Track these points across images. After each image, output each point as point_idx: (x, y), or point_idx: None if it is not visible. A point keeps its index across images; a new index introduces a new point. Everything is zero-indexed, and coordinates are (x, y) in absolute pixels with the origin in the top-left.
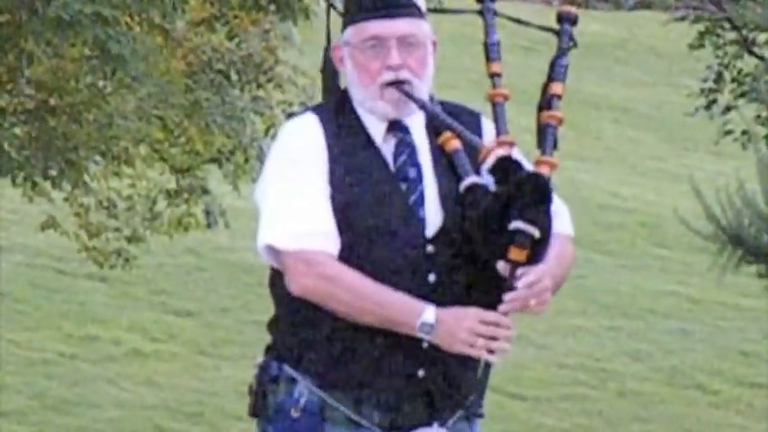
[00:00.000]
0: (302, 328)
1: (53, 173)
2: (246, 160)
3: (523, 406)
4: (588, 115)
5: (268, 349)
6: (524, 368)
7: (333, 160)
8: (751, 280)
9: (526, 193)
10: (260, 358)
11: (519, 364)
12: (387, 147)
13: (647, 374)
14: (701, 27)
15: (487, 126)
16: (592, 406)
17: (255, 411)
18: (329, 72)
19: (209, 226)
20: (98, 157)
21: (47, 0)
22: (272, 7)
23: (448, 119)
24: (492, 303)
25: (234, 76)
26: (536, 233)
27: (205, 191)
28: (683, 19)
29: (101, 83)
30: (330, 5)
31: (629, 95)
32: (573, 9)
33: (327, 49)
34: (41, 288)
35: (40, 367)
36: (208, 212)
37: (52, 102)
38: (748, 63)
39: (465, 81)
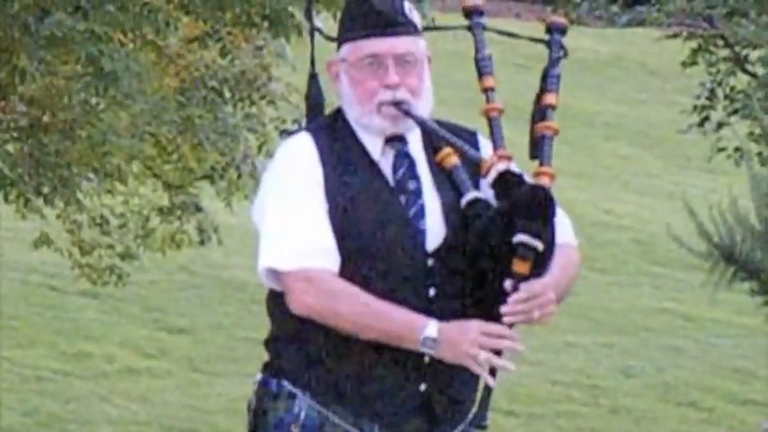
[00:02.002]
0: (302, 345)
1: (46, 190)
2: (239, 177)
3: (516, 423)
4: (581, 132)
5: (266, 366)
6: (517, 385)
7: (329, 178)
8: (744, 297)
9: (529, 207)
10: (258, 375)
11: (512, 381)
12: (385, 160)
13: (640, 391)
14: (693, 44)
15: (484, 144)
16: (584, 423)
17: (255, 428)
18: (314, 98)
19: (201, 243)
20: (91, 174)
21: (39, 17)
22: (265, 24)
23: (447, 134)
24: (493, 318)
25: (227, 93)
26: (539, 246)
27: (198, 208)
28: (675, 36)
29: (93, 100)
30: (314, 30)
31: (621, 112)
32: (562, 19)
33: (312, 76)
34: (34, 305)
35: (33, 384)
36: (201, 229)
37: (45, 119)
38: (741, 80)
39: (457, 97)
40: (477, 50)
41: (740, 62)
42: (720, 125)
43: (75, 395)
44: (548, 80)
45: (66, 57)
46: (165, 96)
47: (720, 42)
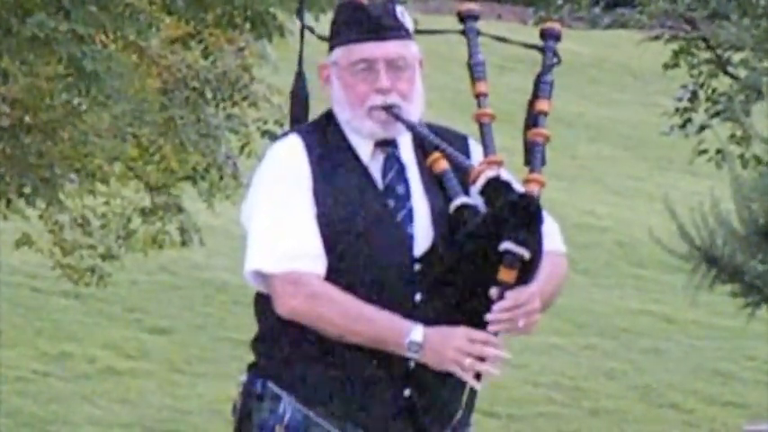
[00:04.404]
0: (287, 346)
1: (27, 190)
2: (221, 178)
3: (498, 424)
4: (563, 134)
5: (251, 367)
6: (499, 386)
7: (317, 181)
8: (725, 299)
9: (516, 215)
10: (243, 376)
11: (493, 383)
12: (375, 163)
13: (621, 393)
14: (675, 46)
15: (475, 148)
16: (566, 424)
17: (240, 429)
18: (300, 98)
19: (183, 244)
20: (73, 175)
21: (22, 18)
22: (248, 25)
23: (437, 139)
24: (478, 324)
25: (209, 94)
26: (525, 254)
27: (180, 209)
28: (657, 38)
29: (76, 100)
30: (305, 28)
31: (604, 114)
32: (557, 26)
33: (299, 74)
34: (16, 305)
35: (14, 385)
36: (182, 230)
37: (27, 119)
38: (723, 82)
39: (440, 99)
40: (470, 55)
41: (722, 64)
42: (702, 127)
43: (56, 396)
44: (540, 86)
45: (48, 57)
46: (146, 97)
47: (702, 45)
